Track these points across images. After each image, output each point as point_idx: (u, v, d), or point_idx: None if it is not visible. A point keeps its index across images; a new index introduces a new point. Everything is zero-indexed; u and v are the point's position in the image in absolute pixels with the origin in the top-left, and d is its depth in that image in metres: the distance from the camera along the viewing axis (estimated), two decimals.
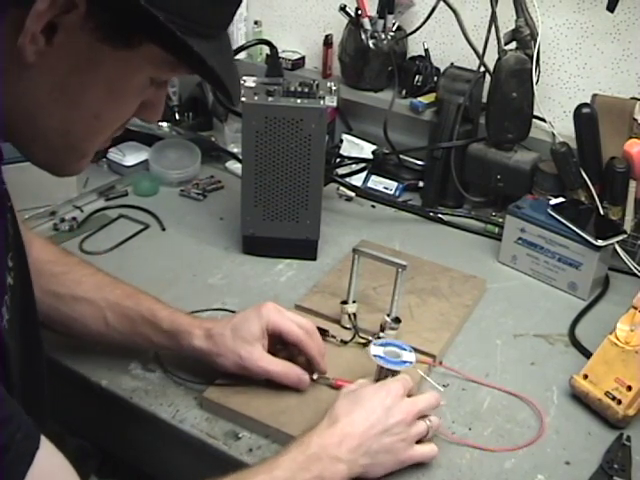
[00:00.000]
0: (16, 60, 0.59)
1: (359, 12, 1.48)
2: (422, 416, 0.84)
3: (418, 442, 0.84)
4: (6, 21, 0.58)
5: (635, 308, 0.96)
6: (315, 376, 0.93)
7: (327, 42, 1.60)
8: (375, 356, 0.88)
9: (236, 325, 0.91)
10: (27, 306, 0.75)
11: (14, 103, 0.62)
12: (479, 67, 1.38)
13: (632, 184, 1.23)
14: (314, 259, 1.25)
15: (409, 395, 0.86)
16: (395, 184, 1.51)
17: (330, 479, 0.77)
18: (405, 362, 0.88)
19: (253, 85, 1.19)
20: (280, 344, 0.94)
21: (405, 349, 0.91)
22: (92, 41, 0.60)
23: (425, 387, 0.94)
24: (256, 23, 1.69)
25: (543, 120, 1.38)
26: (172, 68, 0.65)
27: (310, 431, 0.80)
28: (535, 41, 1.30)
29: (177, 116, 1.65)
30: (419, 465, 0.85)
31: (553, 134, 1.37)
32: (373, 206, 1.46)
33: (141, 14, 0.57)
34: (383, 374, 0.89)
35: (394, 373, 0.88)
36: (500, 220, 1.35)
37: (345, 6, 1.50)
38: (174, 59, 0.63)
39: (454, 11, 1.36)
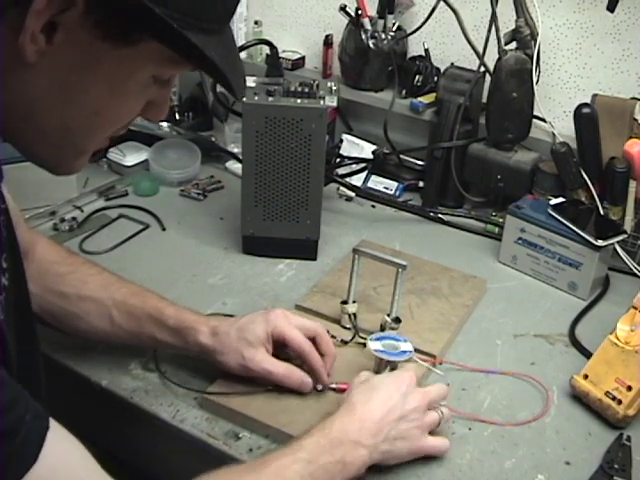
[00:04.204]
0: (17, 60, 0.59)
1: (359, 12, 1.48)
2: (433, 407, 0.86)
3: (430, 434, 0.85)
4: (6, 21, 0.58)
5: (635, 308, 0.96)
6: (319, 387, 0.93)
7: (327, 42, 1.60)
8: (376, 351, 0.91)
9: (242, 326, 0.91)
10: (22, 306, 0.75)
11: (14, 102, 0.62)
12: (479, 67, 1.38)
13: (632, 184, 1.23)
14: (314, 259, 1.25)
15: None
16: (395, 184, 1.51)
17: (351, 464, 0.77)
18: (405, 352, 0.92)
19: (253, 85, 1.19)
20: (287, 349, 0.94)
21: (400, 340, 0.94)
22: (92, 39, 0.60)
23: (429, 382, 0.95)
24: (256, 23, 1.69)
25: (543, 120, 1.38)
26: (173, 64, 0.65)
27: (330, 417, 0.80)
28: (535, 41, 1.30)
29: (177, 116, 1.65)
30: (419, 464, 0.85)
31: (553, 134, 1.37)
32: (373, 206, 1.46)
33: (139, 9, 0.57)
34: (383, 367, 0.91)
35: (393, 365, 0.90)
36: (500, 220, 1.35)
37: (345, 6, 1.50)
38: (174, 55, 0.63)
39: (454, 11, 1.36)
